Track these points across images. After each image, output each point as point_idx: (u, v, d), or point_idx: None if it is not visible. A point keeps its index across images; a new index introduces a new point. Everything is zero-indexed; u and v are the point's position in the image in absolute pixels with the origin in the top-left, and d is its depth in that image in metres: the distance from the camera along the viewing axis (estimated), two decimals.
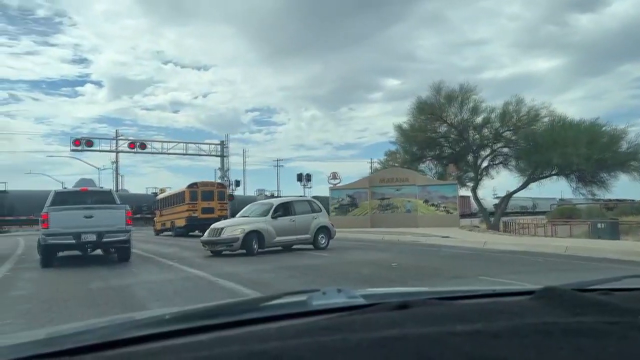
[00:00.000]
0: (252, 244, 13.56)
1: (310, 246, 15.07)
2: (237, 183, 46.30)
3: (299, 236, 14.85)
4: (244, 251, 13.55)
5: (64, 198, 12.93)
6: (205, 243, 14.10)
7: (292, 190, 62.36)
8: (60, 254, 12.77)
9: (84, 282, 9.05)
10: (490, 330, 0.71)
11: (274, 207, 14.77)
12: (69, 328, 1.17)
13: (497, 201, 37.76)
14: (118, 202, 13.39)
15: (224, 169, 41.94)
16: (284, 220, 14.59)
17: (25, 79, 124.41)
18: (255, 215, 14.72)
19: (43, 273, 10.83)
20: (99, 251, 13.33)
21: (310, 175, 36.63)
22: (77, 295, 7.67)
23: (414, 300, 1.00)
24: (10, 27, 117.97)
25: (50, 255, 12.06)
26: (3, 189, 40.37)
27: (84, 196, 13.30)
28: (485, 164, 29.58)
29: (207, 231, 14.24)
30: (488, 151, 29.13)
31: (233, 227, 13.82)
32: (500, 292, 1.35)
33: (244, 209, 15.49)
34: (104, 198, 13.34)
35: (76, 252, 12.79)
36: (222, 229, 13.77)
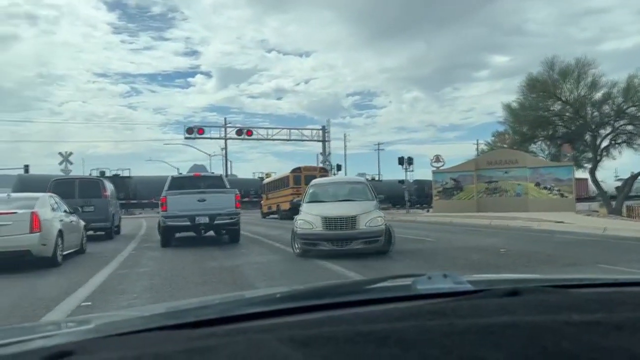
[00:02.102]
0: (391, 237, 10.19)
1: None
2: (339, 167, 46.71)
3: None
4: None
5: (179, 183, 13.95)
6: (317, 239, 9.84)
7: (393, 174, 61.86)
8: (177, 235, 13.73)
9: (198, 261, 9.71)
10: (612, 321, 0.67)
11: (371, 188, 11.68)
12: (188, 303, 1.27)
13: (619, 183, 34.66)
14: (228, 186, 14.13)
15: (325, 154, 42.53)
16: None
17: (144, 72, 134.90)
18: (345, 198, 10.97)
19: (163, 252, 11.77)
20: (211, 233, 14.11)
21: (411, 158, 35.88)
22: (193, 273, 8.24)
23: (526, 287, 0.96)
24: (131, 25, 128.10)
25: (169, 236, 13.05)
26: (127, 174, 44.23)
27: (197, 181, 14.33)
28: (605, 143, 27.21)
29: (313, 221, 9.93)
30: (609, 129, 26.76)
31: (368, 214, 10.01)
32: (623, 281, 1.25)
33: (312, 192, 11.31)
34: (215, 182, 14.22)
35: (191, 234, 13.72)
36: (354, 217, 9.83)
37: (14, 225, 8.90)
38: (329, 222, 9.79)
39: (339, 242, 9.74)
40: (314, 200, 10.90)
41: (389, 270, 8.15)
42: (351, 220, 9.77)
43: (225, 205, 13.01)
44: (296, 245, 10.20)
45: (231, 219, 13.07)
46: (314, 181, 12.39)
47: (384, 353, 0.57)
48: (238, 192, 13.73)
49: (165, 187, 13.46)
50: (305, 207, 10.60)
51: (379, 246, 9.78)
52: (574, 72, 26.19)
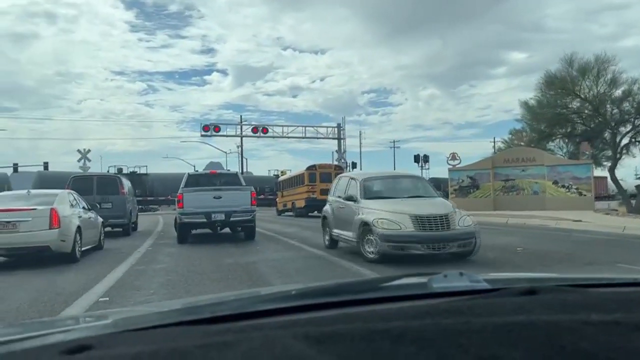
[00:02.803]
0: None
1: None
2: (354, 165, 46.69)
3: None
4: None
5: (195, 180, 14.12)
6: (409, 242, 8.33)
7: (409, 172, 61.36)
8: (194, 231, 13.83)
9: (214, 258, 9.78)
10: (631, 321, 0.66)
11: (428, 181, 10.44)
12: (204, 299, 1.28)
13: (639, 182, 34.12)
14: (243, 183, 14.25)
15: (340, 151, 42.50)
16: None
17: (161, 70, 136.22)
18: (414, 194, 9.73)
19: (179, 248, 11.87)
20: (227, 230, 14.18)
21: (427, 156, 35.84)
22: (209, 269, 8.30)
23: (543, 286, 0.95)
24: (148, 23, 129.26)
25: (185, 233, 13.15)
26: (144, 172, 44.69)
27: (213, 178, 14.50)
28: (625, 141, 26.75)
29: (400, 220, 8.45)
30: (629, 127, 26.27)
31: (455, 213, 8.87)
32: None
33: (367, 186, 9.77)
34: (230, 180, 14.32)
35: (207, 230, 13.82)
36: (446, 216, 8.56)
37: (34, 221, 9.05)
38: (421, 221, 8.38)
39: (435, 244, 8.32)
40: (377, 196, 9.47)
41: (403, 269, 8.13)
42: (445, 220, 8.48)
43: (241, 203, 13.05)
44: (370, 249, 8.60)
45: (247, 216, 13.12)
46: (356, 175, 10.99)
47: (399, 351, 0.57)
48: (254, 190, 13.77)
49: (182, 184, 13.59)
50: (368, 204, 9.13)
51: (471, 249, 8.57)
52: (594, 69, 25.78)
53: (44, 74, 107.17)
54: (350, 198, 9.69)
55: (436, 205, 9.06)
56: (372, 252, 8.60)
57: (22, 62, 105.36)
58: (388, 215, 8.57)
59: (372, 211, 8.88)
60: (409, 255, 8.25)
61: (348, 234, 9.51)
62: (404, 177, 11.09)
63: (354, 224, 9.18)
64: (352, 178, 10.53)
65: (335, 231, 10.31)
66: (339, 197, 10.39)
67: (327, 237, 10.89)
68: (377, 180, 10.41)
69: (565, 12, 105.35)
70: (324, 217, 11.25)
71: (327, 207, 11.18)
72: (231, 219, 12.99)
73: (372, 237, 8.56)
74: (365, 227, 8.76)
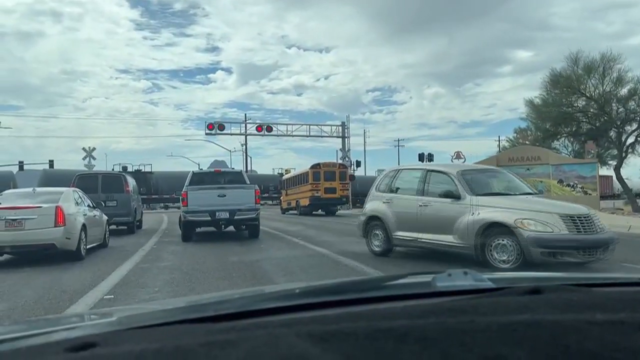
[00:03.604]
0: None
1: None
2: (358, 163, 46.59)
3: None
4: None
5: (200, 178, 14.17)
6: (566, 247, 7.13)
7: None
8: (198, 230, 13.89)
9: (218, 256, 9.79)
10: (636, 321, 0.65)
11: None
12: (208, 297, 1.28)
13: None
14: (248, 182, 14.26)
15: (345, 150, 42.42)
16: None
17: (166, 69, 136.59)
18: (519, 191, 8.53)
19: (184, 247, 11.89)
20: (231, 228, 14.25)
21: (432, 154, 35.59)
22: (213, 267, 8.31)
23: (548, 285, 0.95)
24: (152, 21, 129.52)
25: (189, 231, 13.23)
26: (149, 170, 44.79)
27: (217, 176, 14.50)
28: (631, 140, 26.65)
29: (551, 221, 7.20)
30: (635, 126, 26.17)
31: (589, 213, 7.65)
32: None
33: (448, 182, 8.33)
34: (235, 178, 14.35)
35: (212, 229, 13.88)
36: (589, 216, 7.46)
37: (39, 219, 9.09)
38: (574, 222, 7.20)
39: (591, 250, 7.15)
40: (487, 192, 8.12)
41: (407, 267, 8.12)
42: (591, 221, 7.35)
43: (245, 201, 13.10)
44: (503, 257, 7.29)
45: (251, 214, 13.17)
46: (439, 167, 9.10)
47: (403, 350, 0.57)
48: (258, 188, 13.82)
49: (187, 182, 13.67)
50: (483, 201, 7.77)
51: (611, 254, 7.47)
52: (599, 68, 25.66)
53: (49, 72, 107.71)
54: (448, 194, 8.10)
55: (569, 205, 8.01)
56: (508, 261, 7.22)
57: (28, 61, 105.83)
58: (532, 215, 7.27)
59: (500, 210, 7.51)
60: (412, 253, 8.20)
61: (445, 239, 8.05)
62: (491, 171, 9.65)
63: (461, 225, 7.77)
64: (434, 171, 8.81)
65: (405, 234, 8.75)
66: (406, 192, 8.94)
67: (377, 243, 9.27)
68: (478, 173, 8.94)
69: (571, 10, 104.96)
70: (373, 218, 9.41)
71: (377, 206, 9.38)
72: (235, 217, 13.05)
73: (508, 242, 7.24)
74: (494, 230, 7.40)
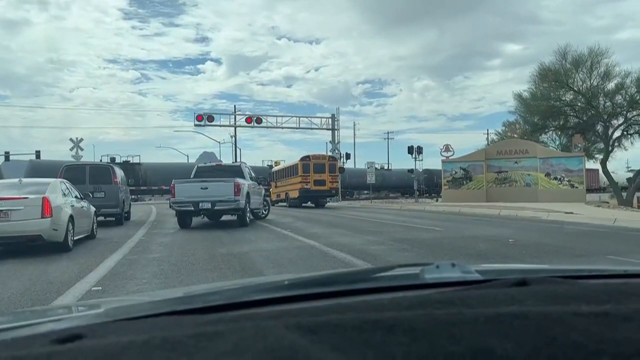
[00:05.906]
0: None
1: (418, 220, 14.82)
2: (348, 156, 46.71)
3: None
4: None
5: (203, 171, 16.06)
6: None
7: (402, 163, 61.67)
8: (194, 218, 15.03)
9: (207, 247, 9.77)
10: (620, 312, 0.66)
11: None
12: (197, 289, 1.28)
13: (631, 175, 34.32)
14: (246, 175, 15.77)
15: (334, 142, 42.44)
16: None
17: (155, 59, 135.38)
18: None
19: (172, 238, 11.86)
20: (224, 219, 15.37)
21: (421, 147, 35.70)
22: (202, 259, 8.29)
23: (534, 277, 0.96)
24: (141, 11, 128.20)
25: (182, 219, 14.54)
26: (137, 161, 44.46)
27: (218, 170, 16.32)
28: (617, 134, 26.95)
29: None
30: (621, 120, 26.46)
31: None
32: (632, 273, 1.24)
33: None
34: (235, 172, 15.81)
35: (205, 220, 15.22)
36: None
37: (26, 210, 8.99)
38: None
39: None
40: None
41: (395, 260, 8.17)
42: None
43: (225, 193, 14.13)
44: None
45: (231, 205, 14.23)
46: None
47: (391, 341, 0.57)
48: (239, 182, 14.55)
49: (191, 175, 15.50)
50: None
51: None
52: (587, 62, 25.87)
53: (35, 61, 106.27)
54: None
55: None
56: None
57: (14, 49, 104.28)
58: None
59: None
60: (400, 247, 8.28)
61: None
62: None
63: None
64: None
65: None
66: None
67: None
68: None
69: (561, 3, 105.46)
70: None
71: None
72: (215, 207, 14.15)
73: None
74: None
